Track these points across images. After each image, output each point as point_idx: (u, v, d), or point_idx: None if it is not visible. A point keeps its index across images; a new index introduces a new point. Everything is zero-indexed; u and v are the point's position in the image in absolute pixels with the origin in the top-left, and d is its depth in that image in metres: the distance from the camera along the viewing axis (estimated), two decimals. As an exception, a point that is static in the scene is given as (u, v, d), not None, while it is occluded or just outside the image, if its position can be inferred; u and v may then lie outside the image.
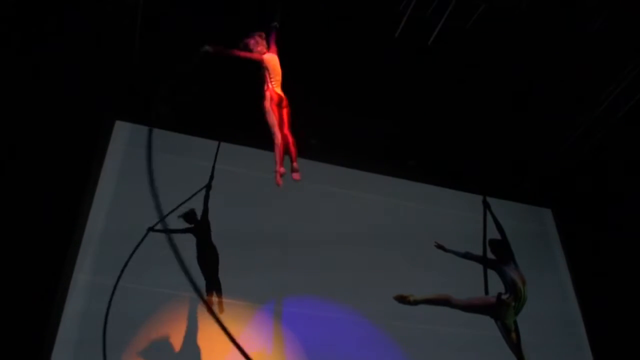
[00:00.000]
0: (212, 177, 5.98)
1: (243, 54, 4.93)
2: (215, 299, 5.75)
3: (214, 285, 5.76)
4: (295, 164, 4.81)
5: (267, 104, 4.88)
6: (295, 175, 4.77)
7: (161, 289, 6.08)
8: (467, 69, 7.59)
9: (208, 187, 5.88)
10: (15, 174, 6.08)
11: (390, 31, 7.20)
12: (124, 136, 7.11)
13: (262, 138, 5.03)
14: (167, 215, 5.77)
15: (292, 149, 4.84)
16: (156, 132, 7.22)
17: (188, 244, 5.70)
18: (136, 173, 6.82)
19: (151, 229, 5.71)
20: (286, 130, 4.89)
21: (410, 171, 8.12)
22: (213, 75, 7.21)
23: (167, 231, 5.64)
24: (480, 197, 5.41)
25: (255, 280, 6.35)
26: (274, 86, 4.94)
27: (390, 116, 7.85)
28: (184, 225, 5.81)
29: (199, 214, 5.90)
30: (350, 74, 7.45)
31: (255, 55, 4.98)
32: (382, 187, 7.95)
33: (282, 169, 4.76)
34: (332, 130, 7.58)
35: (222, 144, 6.52)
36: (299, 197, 7.20)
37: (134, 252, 5.70)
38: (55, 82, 6.63)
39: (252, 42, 5.05)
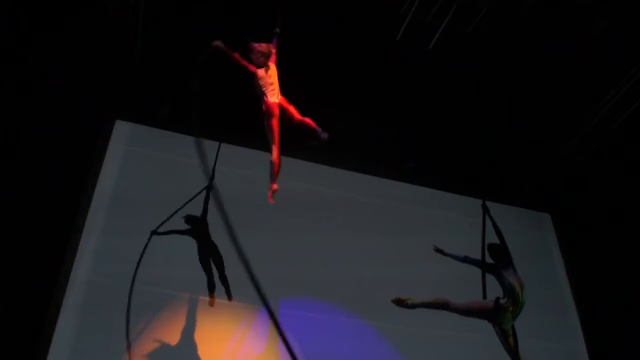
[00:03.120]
0: (212, 178, 5.94)
1: (242, 60, 4.73)
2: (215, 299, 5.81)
3: (221, 284, 5.84)
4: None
5: (266, 121, 4.78)
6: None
7: (161, 289, 6.08)
8: (468, 72, 7.59)
9: (209, 188, 5.86)
10: (15, 173, 6.07)
11: (391, 34, 7.21)
12: (124, 136, 7.12)
13: (262, 139, 5.01)
14: (170, 218, 5.82)
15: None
16: (157, 132, 7.32)
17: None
18: (136, 173, 6.90)
19: (154, 232, 5.82)
20: (300, 117, 4.89)
21: (410, 174, 8.12)
22: (213, 74, 7.23)
23: (170, 232, 5.75)
24: (479, 201, 5.41)
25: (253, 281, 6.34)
26: (270, 97, 4.80)
27: (390, 119, 7.85)
28: (185, 226, 5.85)
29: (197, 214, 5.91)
30: (351, 77, 7.46)
31: (250, 67, 4.79)
32: (381, 190, 7.94)
33: (275, 186, 4.80)
34: (332, 133, 7.56)
35: (222, 145, 6.51)
36: (297, 198, 7.20)
37: (141, 258, 5.77)
38: (56, 81, 6.63)
39: (257, 48, 4.84)
